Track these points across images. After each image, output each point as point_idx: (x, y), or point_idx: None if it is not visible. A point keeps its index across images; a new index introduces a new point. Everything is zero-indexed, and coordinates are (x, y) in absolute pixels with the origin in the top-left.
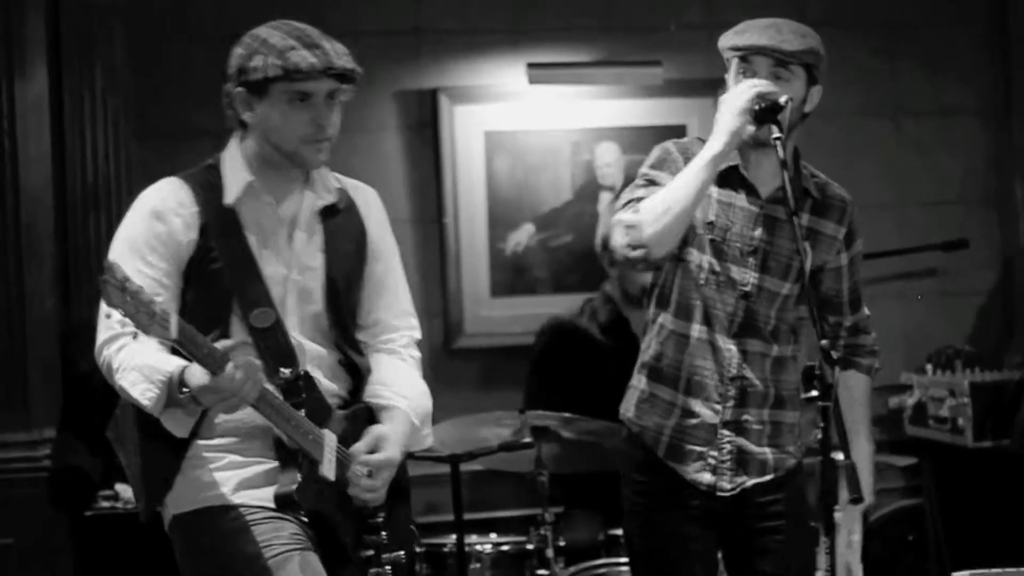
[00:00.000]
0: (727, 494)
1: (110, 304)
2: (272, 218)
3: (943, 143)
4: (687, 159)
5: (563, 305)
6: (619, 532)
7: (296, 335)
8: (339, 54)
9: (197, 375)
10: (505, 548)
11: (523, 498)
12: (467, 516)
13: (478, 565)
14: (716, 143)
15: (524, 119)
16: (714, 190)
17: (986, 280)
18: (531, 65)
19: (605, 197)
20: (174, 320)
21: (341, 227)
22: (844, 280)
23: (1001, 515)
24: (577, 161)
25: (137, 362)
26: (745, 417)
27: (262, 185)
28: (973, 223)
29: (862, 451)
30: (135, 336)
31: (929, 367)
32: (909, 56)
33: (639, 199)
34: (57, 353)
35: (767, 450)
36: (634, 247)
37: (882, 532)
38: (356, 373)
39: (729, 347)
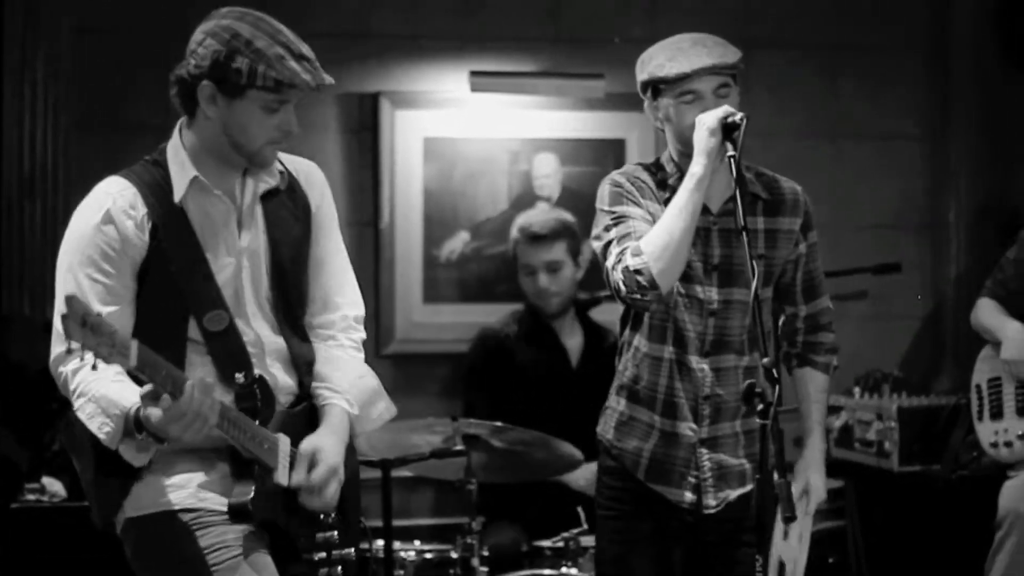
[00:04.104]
0: (713, 511)
1: (71, 339)
2: (220, 209)
3: (881, 167)
4: (638, 186)
5: (496, 314)
6: (543, 543)
7: (255, 325)
8: (318, 65)
9: (155, 414)
10: (430, 555)
11: (448, 506)
12: (393, 522)
13: (402, 572)
14: (698, 167)
15: (464, 127)
16: None
17: (917, 305)
18: (474, 73)
19: (542, 207)
20: (134, 349)
21: (284, 208)
22: (799, 268)
23: (923, 540)
24: (515, 171)
25: (94, 392)
26: (720, 432)
27: (206, 177)
28: (907, 248)
29: (815, 449)
30: (94, 367)
31: (857, 390)
32: (850, 79)
33: (626, 236)
34: None
35: (744, 461)
36: (644, 289)
37: None
38: (302, 363)
39: (702, 367)
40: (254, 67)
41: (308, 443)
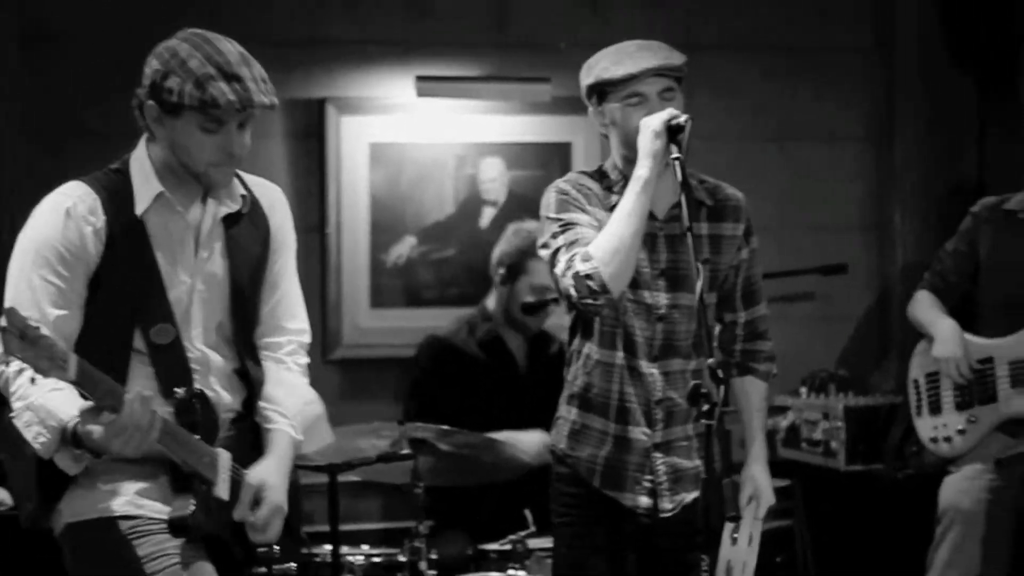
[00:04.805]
0: (669, 514)
1: (8, 353)
2: (180, 227)
3: (827, 168)
4: (584, 193)
5: (443, 318)
6: (488, 547)
7: (200, 346)
8: (258, 84)
9: (96, 430)
10: (378, 560)
11: (396, 510)
12: (340, 527)
13: None
14: (643, 169)
15: (410, 132)
16: None
17: (863, 305)
18: (420, 78)
19: (488, 212)
20: (73, 363)
21: (246, 233)
22: (740, 274)
23: (870, 538)
24: (461, 175)
25: (33, 400)
26: (673, 436)
27: (171, 194)
28: (853, 249)
29: (758, 455)
30: (33, 380)
31: (803, 390)
32: (795, 81)
33: (575, 243)
34: None
35: (698, 464)
36: (595, 294)
37: None
38: (255, 384)
39: (652, 371)
40: (183, 87)
41: (255, 476)
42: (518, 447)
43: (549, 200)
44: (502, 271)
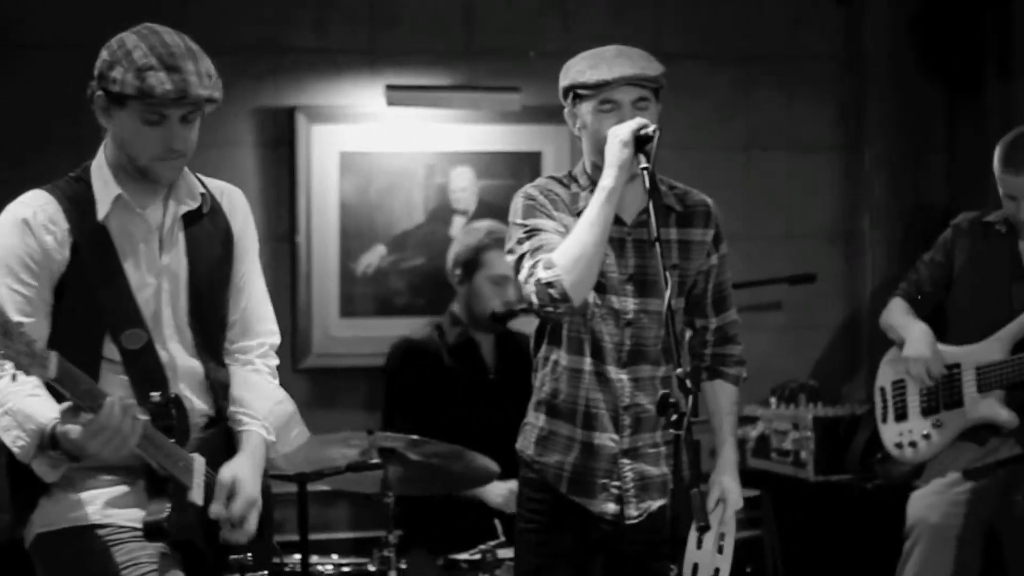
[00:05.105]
0: (635, 521)
1: None
2: (141, 229)
3: (795, 178)
4: (551, 199)
5: (412, 327)
6: (458, 556)
7: (171, 347)
8: (200, 78)
9: (74, 430)
10: (347, 569)
11: (365, 520)
12: (310, 536)
13: None
14: (608, 179)
15: (380, 141)
16: None
17: (832, 315)
18: (389, 87)
19: (458, 221)
20: (53, 360)
21: (206, 232)
22: (710, 280)
23: (839, 549)
24: (431, 184)
25: (12, 404)
26: (641, 443)
27: (130, 196)
28: (822, 258)
29: (729, 459)
30: (13, 377)
31: (773, 400)
32: (764, 89)
33: (539, 249)
34: None
35: (666, 471)
36: (556, 302)
37: None
38: (218, 387)
39: (620, 377)
40: (125, 76)
41: (227, 473)
42: (487, 496)
43: (516, 205)
44: (458, 272)
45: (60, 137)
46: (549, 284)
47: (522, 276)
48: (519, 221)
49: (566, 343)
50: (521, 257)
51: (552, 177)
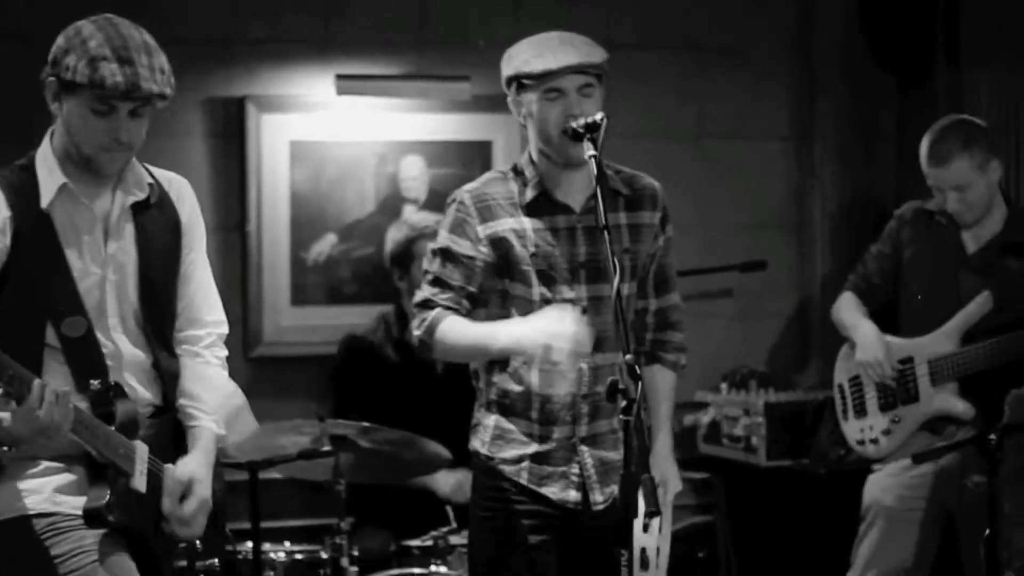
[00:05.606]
0: (601, 506)
1: None
2: (86, 218)
3: (747, 166)
4: (484, 206)
5: (364, 316)
6: (412, 542)
7: (115, 337)
8: (153, 73)
9: (4, 417)
10: (300, 556)
11: (317, 507)
12: (262, 524)
13: (272, 573)
14: (505, 343)
15: (330, 130)
16: (527, 222)
17: (783, 302)
18: (340, 76)
19: (408, 210)
20: None
21: (154, 222)
22: (655, 262)
23: (791, 533)
24: (381, 173)
25: None
26: (599, 430)
27: (75, 185)
28: (773, 246)
29: (665, 444)
30: None
31: (724, 386)
32: (715, 79)
33: (432, 306)
34: None
35: None
36: (425, 356)
37: (672, 549)
38: (168, 377)
39: (580, 366)
40: (77, 64)
41: (183, 470)
42: (436, 485)
43: (449, 212)
44: (396, 270)
45: (10, 131)
46: (424, 344)
47: (416, 300)
48: (444, 233)
49: None
50: (429, 278)
51: (496, 173)
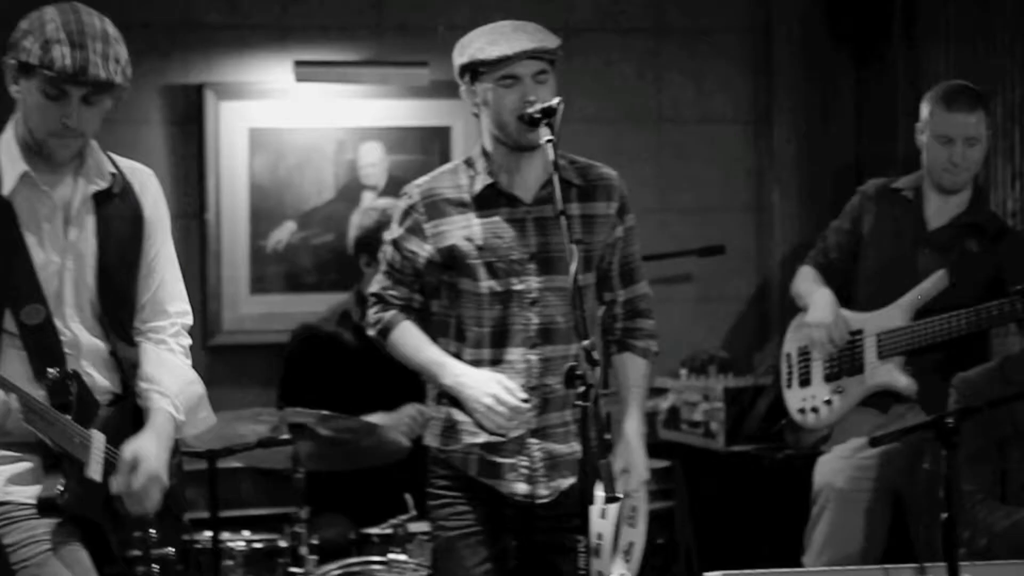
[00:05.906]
0: (546, 499)
1: None
2: (47, 206)
3: (705, 151)
4: (429, 206)
5: (323, 303)
6: (370, 531)
7: (73, 326)
8: (105, 60)
9: None
10: (259, 545)
11: (277, 496)
12: (220, 513)
13: (231, 562)
14: (451, 384)
15: (289, 117)
16: (475, 216)
17: (742, 286)
18: (298, 63)
19: (367, 196)
20: None
21: (116, 212)
22: (616, 253)
23: (751, 518)
24: (340, 160)
25: None
26: (549, 422)
27: (37, 173)
28: (732, 230)
29: (634, 431)
30: None
31: (683, 371)
32: (673, 63)
33: (384, 301)
34: None
35: (576, 448)
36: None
37: None
38: (127, 366)
39: (528, 358)
40: (32, 46)
41: (130, 448)
42: (389, 428)
43: (399, 208)
44: (363, 256)
45: None
46: (377, 341)
47: (369, 309)
48: (395, 228)
49: (462, 335)
50: (377, 293)
51: (449, 166)
